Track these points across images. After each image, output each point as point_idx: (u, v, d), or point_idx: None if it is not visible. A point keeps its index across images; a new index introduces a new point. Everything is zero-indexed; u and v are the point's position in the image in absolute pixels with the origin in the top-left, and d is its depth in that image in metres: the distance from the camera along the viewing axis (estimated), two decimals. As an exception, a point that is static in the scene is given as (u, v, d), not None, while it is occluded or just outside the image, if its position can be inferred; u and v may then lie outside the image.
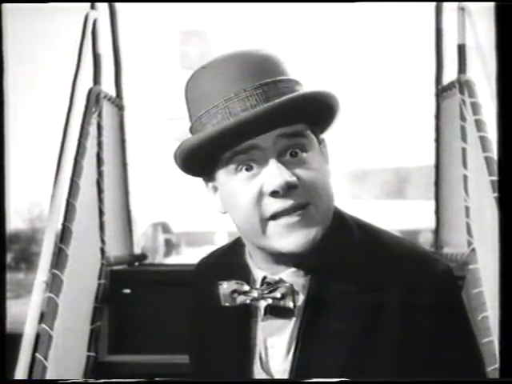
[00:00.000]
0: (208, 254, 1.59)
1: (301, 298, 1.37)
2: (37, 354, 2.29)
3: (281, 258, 1.37)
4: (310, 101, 1.34)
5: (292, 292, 1.36)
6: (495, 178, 2.68)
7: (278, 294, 1.36)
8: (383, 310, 1.32)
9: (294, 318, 1.37)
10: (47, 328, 2.36)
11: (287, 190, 1.32)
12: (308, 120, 1.37)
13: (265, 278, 1.39)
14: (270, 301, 1.37)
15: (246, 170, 1.34)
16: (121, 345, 3.13)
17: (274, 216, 1.33)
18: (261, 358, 1.39)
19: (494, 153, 2.79)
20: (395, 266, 1.34)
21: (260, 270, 1.40)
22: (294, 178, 1.32)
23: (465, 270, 3.00)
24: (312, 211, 1.34)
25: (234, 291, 1.38)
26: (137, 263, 3.65)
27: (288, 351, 1.37)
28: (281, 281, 1.37)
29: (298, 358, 1.35)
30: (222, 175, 1.37)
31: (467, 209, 3.05)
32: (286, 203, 1.32)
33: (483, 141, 2.86)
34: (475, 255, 2.97)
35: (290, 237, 1.33)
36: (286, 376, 1.35)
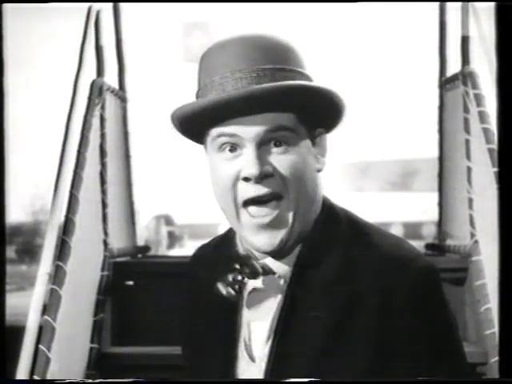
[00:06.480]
0: (204, 243, 1.62)
1: (283, 284, 1.40)
2: (40, 346, 2.29)
3: None
4: (297, 92, 1.35)
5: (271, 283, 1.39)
6: (498, 169, 2.68)
7: (258, 284, 1.40)
8: (359, 303, 1.34)
9: (275, 306, 1.39)
10: (50, 320, 2.37)
11: (260, 178, 1.35)
12: (297, 111, 1.37)
13: (252, 263, 1.42)
14: (250, 289, 1.41)
15: (230, 150, 1.37)
16: (124, 336, 3.13)
17: (246, 202, 1.36)
18: (245, 342, 1.42)
19: (496, 144, 2.78)
20: (376, 262, 1.36)
21: (248, 254, 1.43)
22: (268, 168, 1.35)
23: (468, 261, 3.00)
24: (285, 204, 1.36)
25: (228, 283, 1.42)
26: (140, 255, 3.65)
27: (268, 337, 1.39)
28: (264, 267, 1.40)
29: (276, 346, 1.37)
30: (210, 148, 1.41)
31: (470, 200, 3.05)
32: (259, 190, 1.35)
33: (486, 132, 2.86)
34: (478, 247, 2.97)
35: (260, 236, 1.37)
36: (264, 361, 1.38)
